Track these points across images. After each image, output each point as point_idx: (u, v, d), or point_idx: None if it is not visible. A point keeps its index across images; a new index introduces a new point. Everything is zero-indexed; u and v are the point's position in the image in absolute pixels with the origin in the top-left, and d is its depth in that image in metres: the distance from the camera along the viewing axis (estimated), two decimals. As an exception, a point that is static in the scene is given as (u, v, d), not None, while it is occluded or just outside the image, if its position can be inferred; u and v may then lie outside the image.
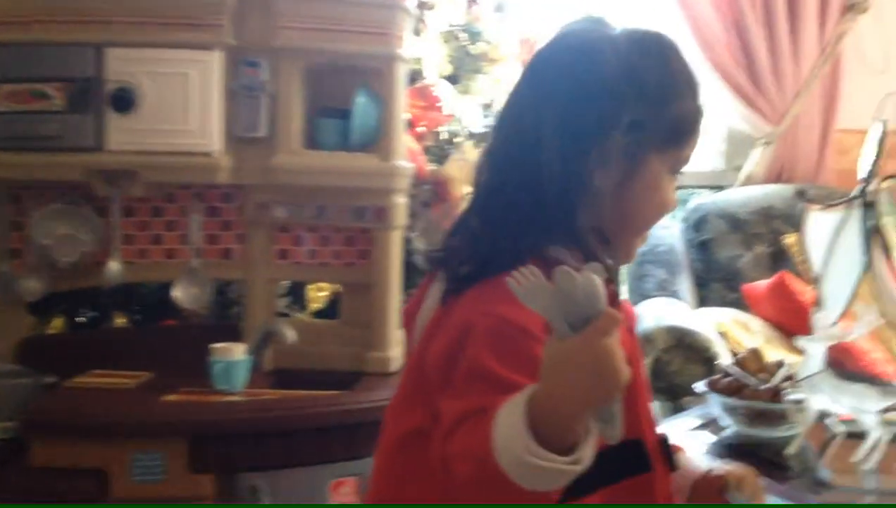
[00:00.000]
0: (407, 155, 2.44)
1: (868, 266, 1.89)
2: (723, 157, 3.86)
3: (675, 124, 1.16)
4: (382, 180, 2.33)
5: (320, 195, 2.35)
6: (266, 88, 2.27)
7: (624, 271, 3.48)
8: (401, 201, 2.39)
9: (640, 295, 3.32)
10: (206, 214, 2.40)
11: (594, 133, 1.12)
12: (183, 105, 2.20)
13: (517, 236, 1.12)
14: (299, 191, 2.34)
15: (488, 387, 1.01)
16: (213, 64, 2.21)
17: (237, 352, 2.20)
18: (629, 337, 1.19)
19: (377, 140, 2.33)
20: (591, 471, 0.94)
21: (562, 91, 1.14)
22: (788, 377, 1.99)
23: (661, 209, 1.20)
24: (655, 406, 2.87)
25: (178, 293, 2.36)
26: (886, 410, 1.81)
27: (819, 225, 1.92)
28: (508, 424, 0.93)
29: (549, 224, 1.13)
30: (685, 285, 3.39)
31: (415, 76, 2.78)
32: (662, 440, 1.26)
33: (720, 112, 3.69)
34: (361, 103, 2.30)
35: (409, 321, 1.25)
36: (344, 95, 2.33)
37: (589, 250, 1.13)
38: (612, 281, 1.08)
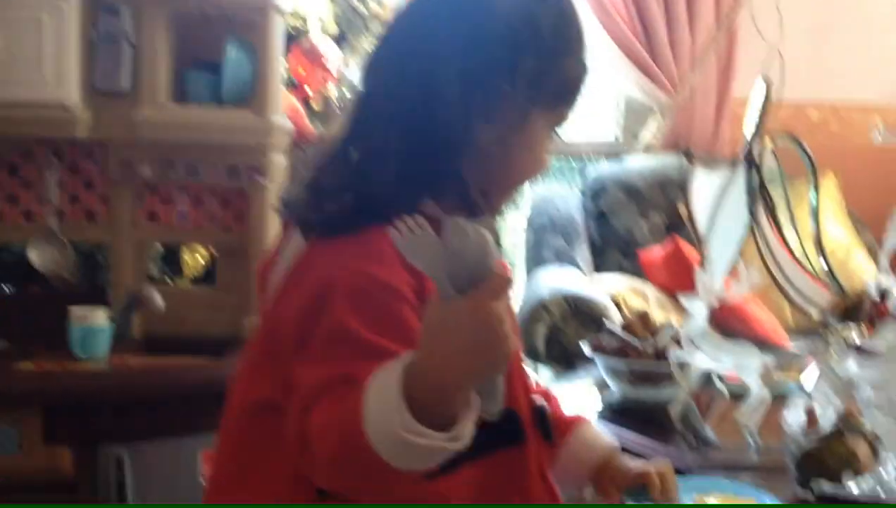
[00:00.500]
0: (286, 112, 2.33)
1: (753, 226, 1.87)
2: (620, 126, 3.84)
3: (565, 83, 1.11)
4: (257, 137, 2.21)
5: (190, 152, 2.22)
6: (128, 37, 2.13)
7: (522, 240, 3.44)
8: (278, 160, 2.28)
9: (536, 263, 3.29)
10: (66, 172, 2.25)
11: (486, 82, 1.05)
12: (36, 53, 2.06)
13: (393, 187, 1.03)
14: (167, 148, 2.20)
15: (353, 352, 0.92)
16: (69, 9, 2.07)
17: (99, 318, 2.07)
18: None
19: (251, 94, 2.21)
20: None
21: (456, 34, 1.06)
22: (674, 339, 1.96)
23: (537, 168, 1.14)
24: (549, 373, 2.83)
25: (35, 257, 2.22)
26: (767, 369, 1.81)
27: (704, 185, 1.88)
28: (382, 395, 0.84)
29: (429, 178, 1.06)
30: (582, 253, 3.37)
31: (298, 34, 2.67)
32: (536, 408, 1.19)
33: (617, 81, 3.66)
34: (233, 55, 2.18)
35: (261, 280, 1.15)
36: (216, 46, 2.20)
37: (470, 207, 1.05)
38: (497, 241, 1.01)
